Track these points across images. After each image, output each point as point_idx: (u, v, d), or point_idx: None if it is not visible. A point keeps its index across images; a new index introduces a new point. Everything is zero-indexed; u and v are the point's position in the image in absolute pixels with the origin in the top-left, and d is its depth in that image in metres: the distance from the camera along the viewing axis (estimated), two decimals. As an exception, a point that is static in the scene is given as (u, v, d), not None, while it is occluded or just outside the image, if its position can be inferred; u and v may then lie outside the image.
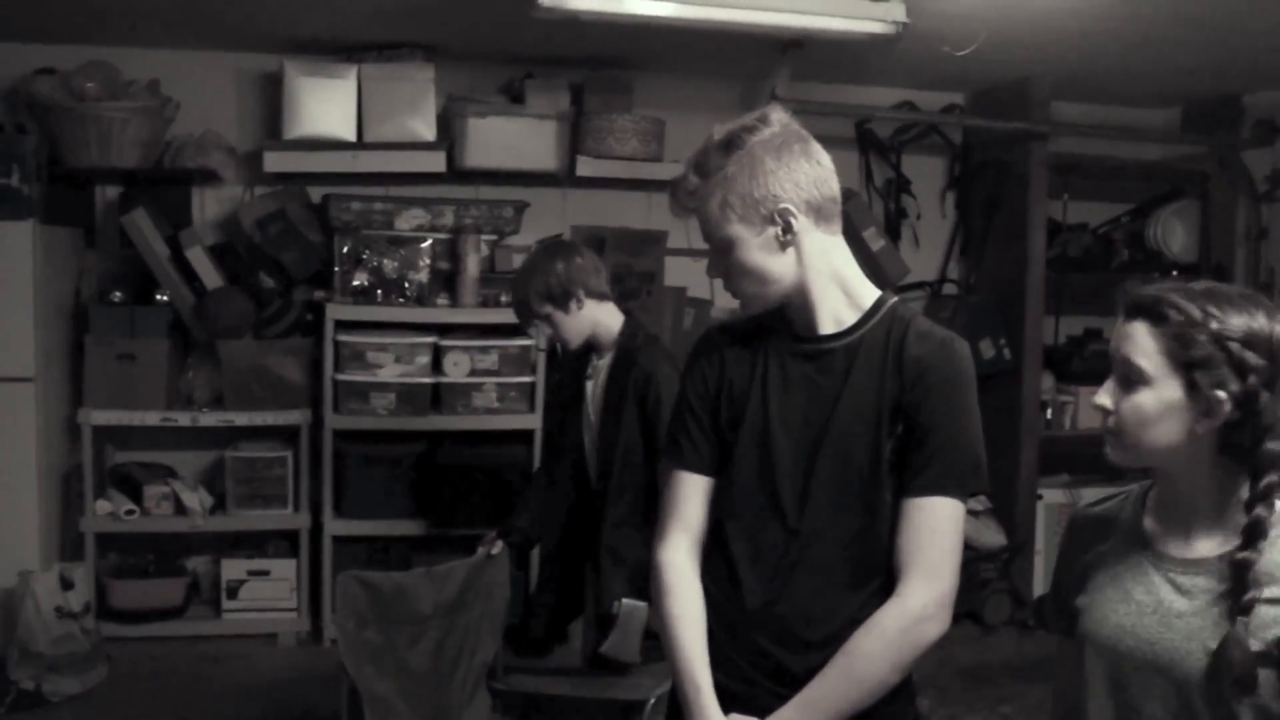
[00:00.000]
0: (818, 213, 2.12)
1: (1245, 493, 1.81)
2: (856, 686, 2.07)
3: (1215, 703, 1.76)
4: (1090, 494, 6.05)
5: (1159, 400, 1.81)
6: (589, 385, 3.74)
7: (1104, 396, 1.88)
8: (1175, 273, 6.34)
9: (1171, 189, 6.50)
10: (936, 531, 2.08)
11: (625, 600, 3.46)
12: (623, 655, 3.50)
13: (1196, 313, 1.78)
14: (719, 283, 2.24)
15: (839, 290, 2.16)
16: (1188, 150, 6.57)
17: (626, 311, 3.78)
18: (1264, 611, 1.75)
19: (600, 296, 3.68)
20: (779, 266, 2.13)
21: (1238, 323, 1.78)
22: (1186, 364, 1.79)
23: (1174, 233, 6.38)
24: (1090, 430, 6.24)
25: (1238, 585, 1.78)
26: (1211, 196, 6.40)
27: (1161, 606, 1.85)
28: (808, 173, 2.11)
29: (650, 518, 3.47)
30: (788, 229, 2.10)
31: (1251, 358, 1.76)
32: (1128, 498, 2.03)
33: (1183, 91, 6.29)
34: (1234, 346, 1.76)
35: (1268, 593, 1.76)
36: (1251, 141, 6.32)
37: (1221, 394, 1.77)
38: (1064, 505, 6.24)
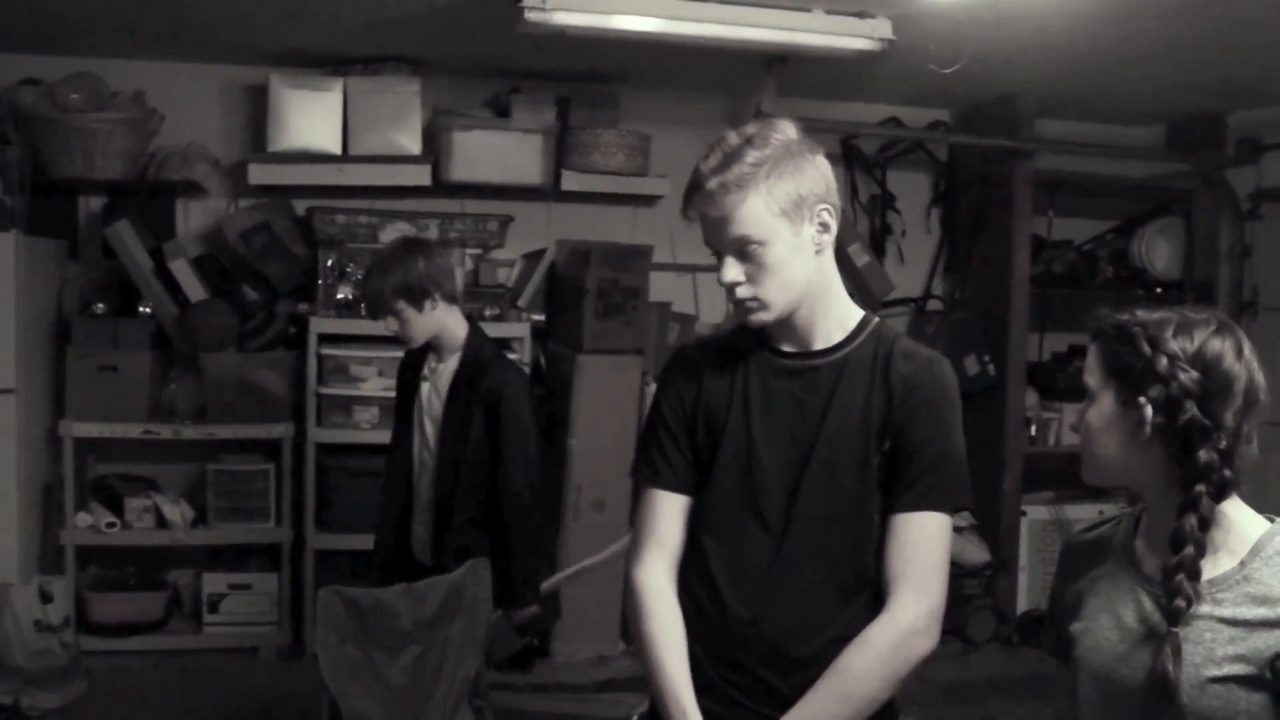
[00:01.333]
0: (838, 217, 2.13)
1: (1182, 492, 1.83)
2: (847, 704, 2.06)
3: None
4: (1074, 511, 6.11)
5: (1099, 413, 1.88)
6: (424, 387, 3.78)
7: (1074, 419, 1.94)
8: (1159, 289, 6.36)
9: (1156, 206, 6.52)
10: (925, 547, 2.08)
11: (495, 613, 3.61)
12: (509, 651, 3.71)
13: (1132, 327, 1.83)
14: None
15: (837, 306, 2.17)
16: (1172, 168, 6.59)
17: (470, 319, 3.84)
18: (1257, 635, 1.75)
19: (451, 299, 3.75)
20: (806, 270, 2.10)
21: (1169, 337, 1.81)
22: (1115, 374, 1.85)
23: (1158, 250, 6.39)
24: (1073, 446, 6.25)
25: (1168, 594, 1.79)
26: (1195, 214, 6.42)
27: (1153, 631, 1.84)
28: (831, 179, 2.11)
29: (490, 522, 3.63)
30: (825, 229, 2.09)
31: (1173, 367, 1.78)
32: (1121, 523, 2.03)
33: (1167, 109, 6.31)
34: (1160, 358, 1.79)
35: (1259, 612, 1.75)
36: (1235, 160, 6.35)
37: (1143, 399, 1.80)
38: (1048, 522, 6.25)
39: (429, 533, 3.79)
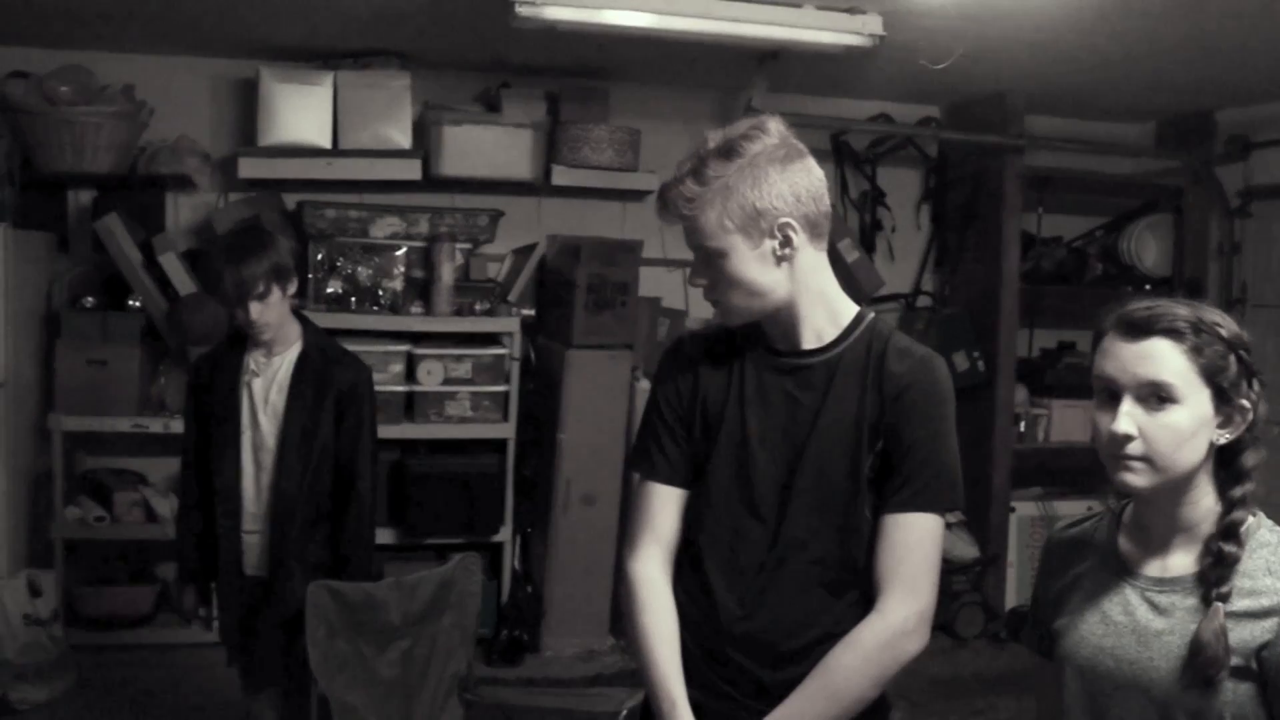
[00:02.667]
0: (813, 229, 2.10)
1: (1221, 506, 1.84)
2: (835, 702, 2.06)
3: (1197, 719, 1.78)
4: (1063, 507, 6.12)
5: (1193, 416, 1.79)
6: (256, 384, 3.54)
7: (1127, 424, 1.81)
8: (1148, 286, 6.38)
9: (1145, 203, 6.54)
10: (916, 547, 2.08)
11: None
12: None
13: (1209, 324, 1.80)
14: (694, 293, 2.21)
15: (823, 307, 2.15)
16: (1161, 165, 6.61)
17: (296, 312, 3.65)
18: (1243, 626, 1.77)
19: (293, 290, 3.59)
20: (771, 280, 2.10)
21: (1237, 330, 1.81)
22: (1213, 375, 1.79)
23: (1147, 247, 6.41)
24: (1062, 443, 6.28)
25: (1216, 574, 1.79)
26: (1185, 211, 6.44)
27: (1139, 626, 1.85)
28: (808, 187, 2.08)
29: (335, 518, 3.52)
30: (787, 243, 2.07)
31: (1251, 361, 1.81)
32: (1102, 519, 2.03)
33: (1157, 107, 6.33)
34: (1244, 354, 1.79)
35: (1244, 604, 1.77)
36: (1224, 157, 6.36)
37: (1245, 402, 1.80)
38: (1036, 518, 6.26)
39: (266, 539, 3.56)
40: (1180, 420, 1.79)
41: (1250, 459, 1.82)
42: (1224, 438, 1.81)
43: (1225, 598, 1.78)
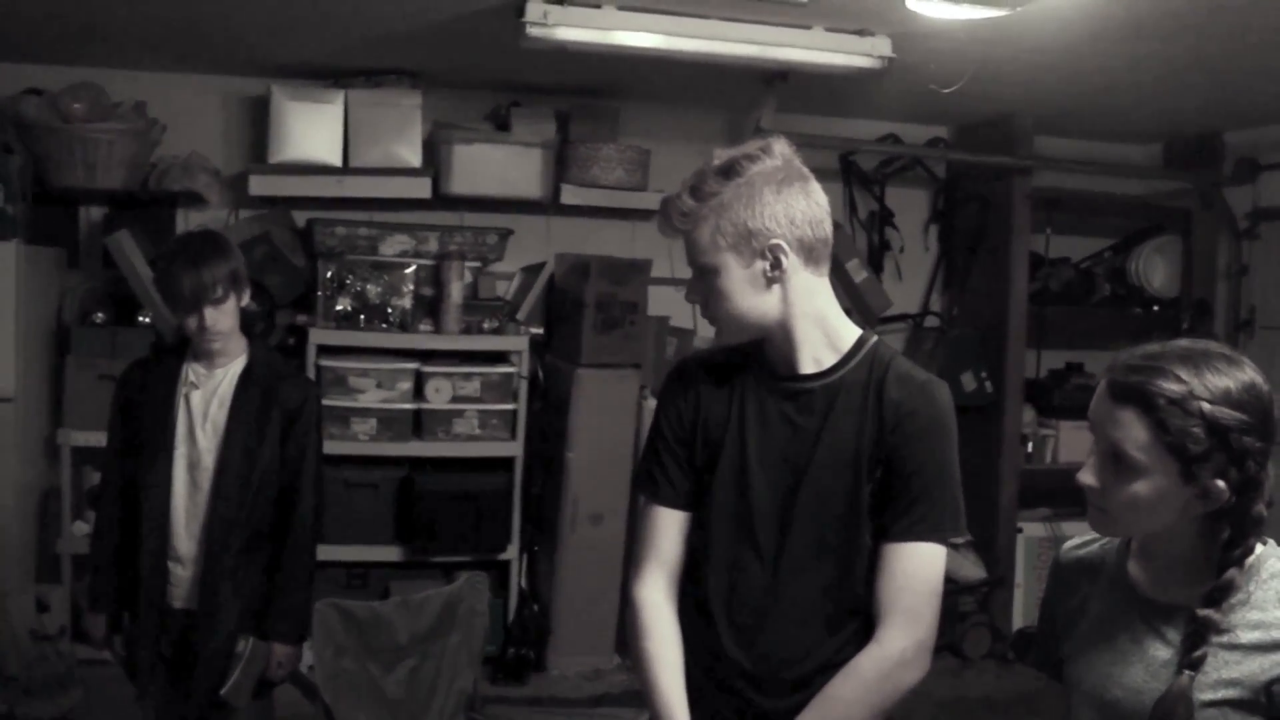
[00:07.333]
0: (809, 253, 2.10)
1: (1217, 560, 1.79)
2: None
3: None
4: (1070, 528, 6.11)
5: (1153, 489, 1.76)
6: (195, 396, 3.34)
7: (1088, 475, 1.82)
8: (1156, 307, 6.38)
9: (1153, 224, 6.53)
10: (917, 577, 2.07)
11: (251, 638, 3.32)
12: (238, 699, 3.32)
13: (1190, 401, 1.72)
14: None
15: (820, 331, 2.15)
16: (1170, 186, 6.61)
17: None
18: (1252, 659, 1.74)
19: None
20: (762, 301, 2.10)
21: (1229, 405, 1.72)
22: (1183, 456, 1.73)
23: (1155, 268, 6.41)
24: (1070, 464, 6.26)
25: (1194, 639, 1.77)
26: (1193, 232, 6.45)
27: (1147, 655, 1.84)
28: (804, 211, 2.08)
29: (274, 542, 3.34)
30: (776, 265, 2.08)
31: (1249, 442, 1.72)
32: (1111, 542, 2.01)
33: (1165, 128, 6.33)
34: (1233, 437, 1.71)
35: (1253, 637, 1.75)
36: (1233, 179, 6.36)
37: (1221, 484, 1.74)
38: (1044, 539, 6.25)
39: (200, 567, 3.32)
40: (1138, 491, 1.77)
41: (1251, 518, 1.77)
42: (1200, 509, 1.77)
43: (1197, 665, 1.75)
